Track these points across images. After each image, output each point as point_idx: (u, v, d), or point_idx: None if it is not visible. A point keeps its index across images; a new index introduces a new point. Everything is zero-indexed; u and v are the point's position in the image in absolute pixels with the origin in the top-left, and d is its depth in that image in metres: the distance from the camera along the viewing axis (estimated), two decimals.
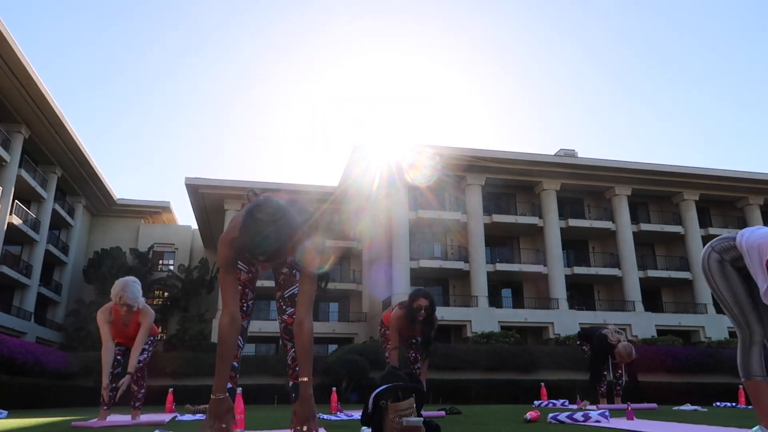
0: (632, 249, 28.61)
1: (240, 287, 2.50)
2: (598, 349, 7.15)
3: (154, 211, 36.69)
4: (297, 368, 2.48)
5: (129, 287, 4.64)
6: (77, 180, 30.74)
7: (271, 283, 2.89)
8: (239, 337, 2.51)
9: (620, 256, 28.70)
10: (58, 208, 29.63)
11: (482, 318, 25.35)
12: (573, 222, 28.86)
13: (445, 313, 25.57)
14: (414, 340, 5.62)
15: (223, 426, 2.16)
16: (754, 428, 2.55)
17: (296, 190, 27.98)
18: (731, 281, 2.61)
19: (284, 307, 2.62)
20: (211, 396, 2.21)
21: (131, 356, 4.78)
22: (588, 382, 7.29)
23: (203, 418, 5.53)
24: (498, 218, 28.08)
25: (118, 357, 4.93)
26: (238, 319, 2.28)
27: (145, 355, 5.07)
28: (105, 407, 4.73)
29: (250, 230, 2.23)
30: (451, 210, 27.97)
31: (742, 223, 30.87)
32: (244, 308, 2.56)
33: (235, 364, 2.53)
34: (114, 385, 4.87)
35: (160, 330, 30.44)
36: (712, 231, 29.96)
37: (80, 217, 32.88)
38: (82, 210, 33.18)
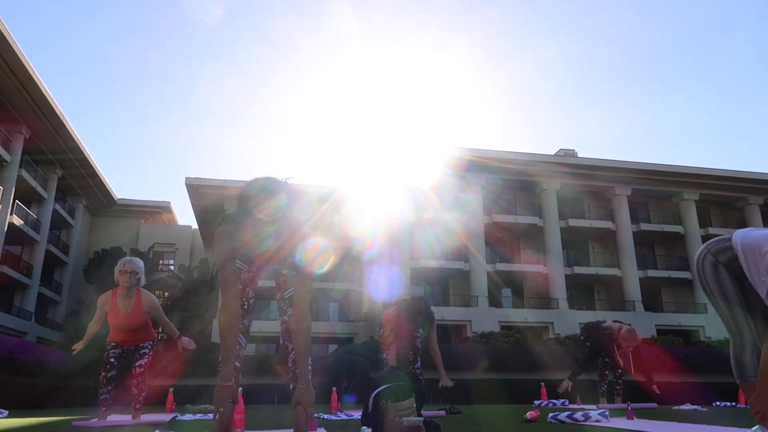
0: (632, 249, 28.60)
1: (240, 286, 2.46)
2: (596, 343, 7.10)
3: (155, 211, 36.73)
4: (297, 370, 2.48)
5: (134, 259, 4.87)
6: (77, 180, 30.73)
7: (271, 283, 2.88)
8: (241, 336, 2.48)
9: (620, 255, 28.69)
10: (58, 208, 29.64)
11: (482, 318, 25.35)
12: (573, 222, 28.84)
13: (445, 313, 25.56)
14: (416, 341, 5.61)
15: (221, 410, 2.24)
16: (754, 428, 2.55)
17: (296, 190, 27.95)
18: (724, 286, 2.58)
19: (285, 308, 2.59)
20: (218, 380, 2.27)
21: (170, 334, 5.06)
22: (573, 370, 7.20)
23: (203, 418, 5.54)
24: (498, 218, 28.06)
25: (111, 360, 4.90)
26: (236, 314, 2.27)
27: (146, 360, 5.06)
28: (104, 408, 4.73)
29: (249, 230, 2.22)
30: (452, 210, 27.97)
31: (742, 223, 30.84)
32: (245, 306, 2.50)
33: (237, 364, 2.50)
34: (110, 387, 4.85)
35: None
36: (712, 231, 29.93)
37: (81, 217, 32.88)
38: (83, 210, 33.19)
